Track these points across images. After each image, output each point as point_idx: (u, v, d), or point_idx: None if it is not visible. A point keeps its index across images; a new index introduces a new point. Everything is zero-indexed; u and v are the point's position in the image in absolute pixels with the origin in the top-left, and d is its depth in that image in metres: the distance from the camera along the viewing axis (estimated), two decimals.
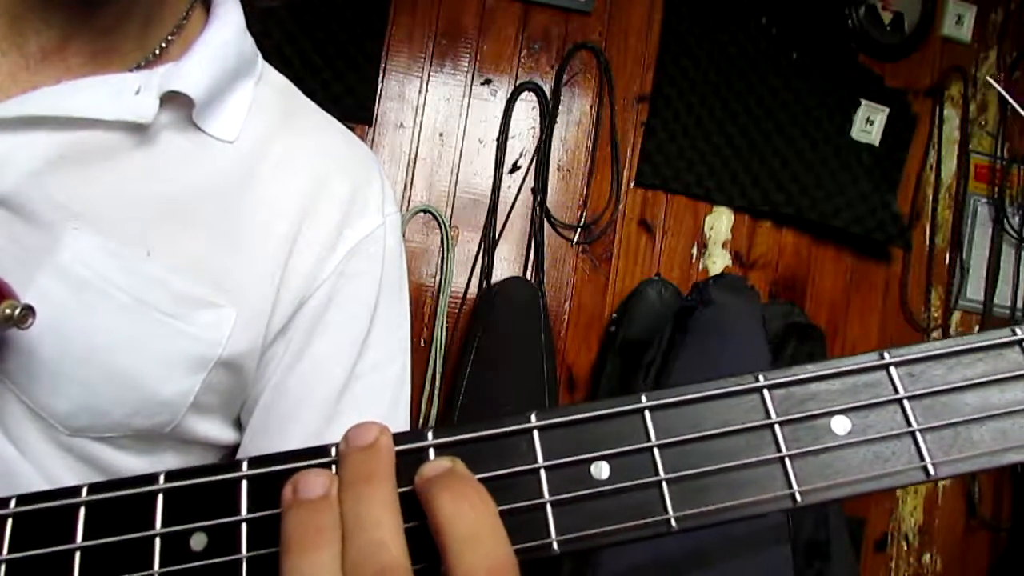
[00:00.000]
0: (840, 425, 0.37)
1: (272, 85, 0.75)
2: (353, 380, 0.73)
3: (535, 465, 0.36)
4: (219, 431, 0.71)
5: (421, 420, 2.12)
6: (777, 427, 0.37)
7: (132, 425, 0.63)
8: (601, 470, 0.36)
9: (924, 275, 2.49)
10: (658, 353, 2.08)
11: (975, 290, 2.53)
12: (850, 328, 2.44)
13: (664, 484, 0.36)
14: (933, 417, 0.37)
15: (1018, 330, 0.38)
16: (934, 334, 2.50)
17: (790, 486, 0.36)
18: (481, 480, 0.36)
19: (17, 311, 0.52)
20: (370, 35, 2.11)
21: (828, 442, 0.37)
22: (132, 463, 0.65)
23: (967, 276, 2.51)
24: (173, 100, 0.63)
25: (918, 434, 0.37)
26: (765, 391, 0.37)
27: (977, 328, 2.54)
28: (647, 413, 0.37)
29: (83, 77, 0.61)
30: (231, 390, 0.69)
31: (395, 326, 0.78)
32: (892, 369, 0.38)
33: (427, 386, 2.12)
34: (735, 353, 2.00)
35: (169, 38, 0.67)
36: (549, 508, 0.36)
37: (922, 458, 0.36)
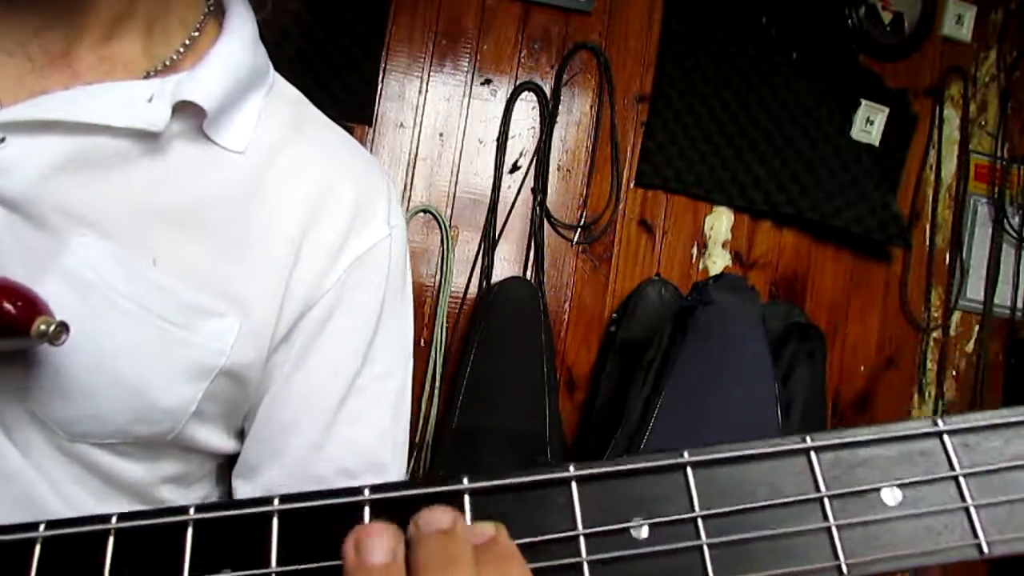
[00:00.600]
0: (891, 496, 0.36)
1: (282, 96, 0.75)
2: (354, 392, 0.73)
3: (575, 532, 0.35)
4: (220, 440, 0.70)
5: (421, 420, 2.12)
6: (825, 496, 0.36)
7: (134, 432, 0.63)
8: (641, 530, 0.35)
9: (924, 275, 2.50)
10: (658, 353, 2.08)
11: (975, 290, 2.53)
12: (850, 328, 2.44)
13: (705, 548, 0.35)
14: (989, 493, 0.36)
15: None
16: (934, 334, 2.50)
17: (837, 558, 0.35)
18: (518, 538, 0.35)
19: (52, 327, 0.52)
20: (370, 35, 2.10)
21: (878, 514, 0.36)
22: (132, 470, 0.65)
23: (967, 276, 2.51)
24: (185, 110, 0.63)
25: (972, 510, 0.36)
26: (812, 454, 0.36)
27: (977, 328, 2.54)
28: (689, 470, 0.36)
29: (92, 83, 0.60)
30: (233, 399, 0.68)
31: (398, 338, 0.77)
32: (946, 438, 0.36)
33: (427, 386, 2.12)
34: (735, 353, 2.00)
35: (181, 49, 0.67)
36: (586, 568, 0.35)
37: (976, 535, 0.35)
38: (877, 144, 2.37)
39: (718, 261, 2.33)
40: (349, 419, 0.72)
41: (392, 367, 0.76)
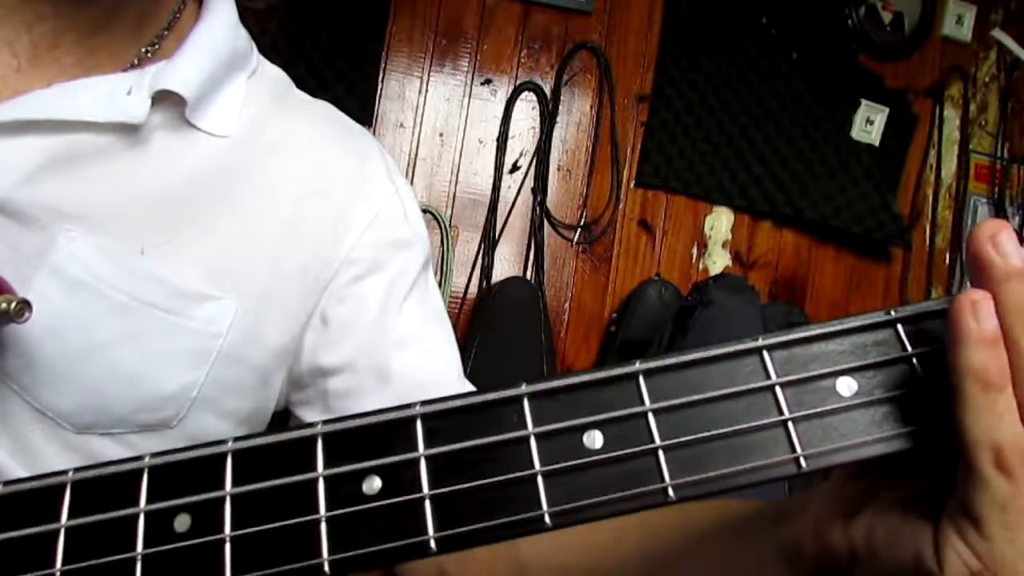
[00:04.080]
0: (846, 386, 0.35)
1: (266, 77, 0.75)
2: (416, 340, 0.74)
3: (525, 432, 0.35)
4: (233, 429, 0.70)
5: None
6: (779, 389, 0.35)
7: (137, 421, 0.63)
8: (594, 439, 0.35)
9: (924, 275, 2.49)
10: (658, 353, 2.07)
11: None
12: None
13: (660, 452, 0.34)
14: (944, 374, 0.35)
15: None
16: None
17: (794, 450, 0.35)
18: (470, 449, 0.35)
19: (13, 305, 0.52)
20: (370, 35, 2.11)
21: (833, 404, 0.35)
22: None
23: (967, 276, 2.50)
24: (165, 99, 0.63)
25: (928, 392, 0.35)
26: (765, 352, 0.36)
27: None
28: (641, 378, 0.35)
29: (75, 78, 0.60)
30: (243, 384, 0.68)
31: (431, 284, 0.79)
32: (899, 327, 0.36)
33: None
34: None
35: (163, 34, 0.67)
36: (540, 479, 0.34)
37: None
38: (877, 144, 2.37)
39: (718, 261, 2.33)
40: (416, 358, 0.73)
41: (435, 306, 0.79)
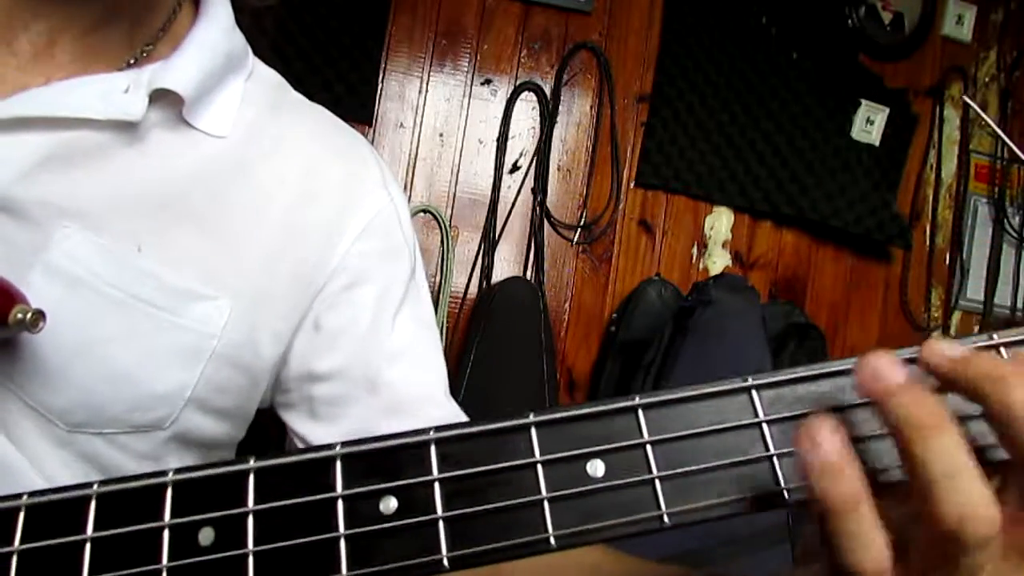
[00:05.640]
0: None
1: (262, 79, 0.76)
2: (404, 352, 0.75)
3: (532, 460, 0.37)
4: (224, 430, 0.71)
5: None
6: (765, 426, 0.38)
7: (131, 420, 0.63)
8: (597, 468, 0.37)
9: (924, 275, 2.49)
10: (658, 353, 2.08)
11: (975, 290, 2.53)
12: (850, 328, 2.44)
13: (657, 482, 0.36)
14: None
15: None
16: (934, 334, 2.50)
17: (778, 484, 0.37)
18: (481, 474, 0.37)
19: (28, 315, 0.53)
20: (370, 35, 2.12)
21: None
22: (132, 467, 0.65)
23: (967, 276, 2.51)
24: (163, 98, 0.64)
25: None
26: (754, 391, 0.38)
27: (977, 329, 2.54)
28: (640, 412, 0.37)
29: (72, 76, 0.61)
30: (235, 386, 0.69)
31: (422, 294, 0.80)
32: None
33: None
34: (735, 353, 2.00)
35: (159, 35, 0.68)
36: (546, 504, 0.36)
37: None
38: (877, 144, 2.37)
39: (718, 261, 2.33)
40: (401, 373, 0.74)
41: (425, 319, 0.79)
